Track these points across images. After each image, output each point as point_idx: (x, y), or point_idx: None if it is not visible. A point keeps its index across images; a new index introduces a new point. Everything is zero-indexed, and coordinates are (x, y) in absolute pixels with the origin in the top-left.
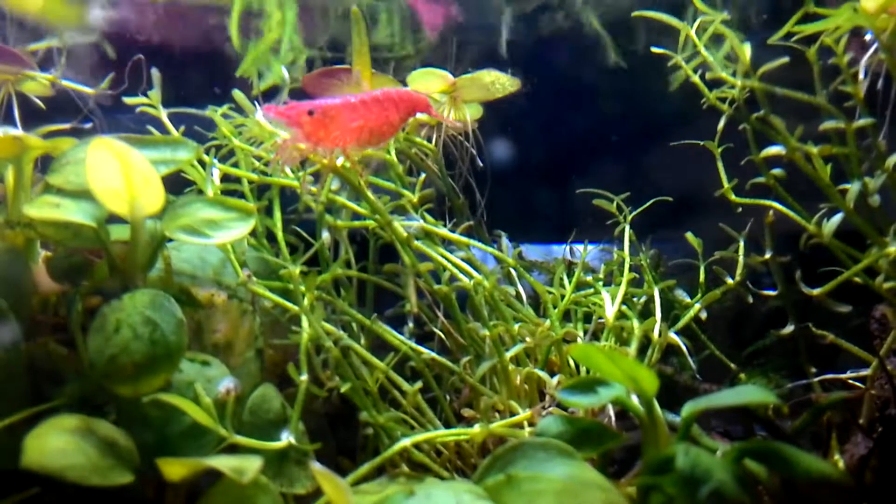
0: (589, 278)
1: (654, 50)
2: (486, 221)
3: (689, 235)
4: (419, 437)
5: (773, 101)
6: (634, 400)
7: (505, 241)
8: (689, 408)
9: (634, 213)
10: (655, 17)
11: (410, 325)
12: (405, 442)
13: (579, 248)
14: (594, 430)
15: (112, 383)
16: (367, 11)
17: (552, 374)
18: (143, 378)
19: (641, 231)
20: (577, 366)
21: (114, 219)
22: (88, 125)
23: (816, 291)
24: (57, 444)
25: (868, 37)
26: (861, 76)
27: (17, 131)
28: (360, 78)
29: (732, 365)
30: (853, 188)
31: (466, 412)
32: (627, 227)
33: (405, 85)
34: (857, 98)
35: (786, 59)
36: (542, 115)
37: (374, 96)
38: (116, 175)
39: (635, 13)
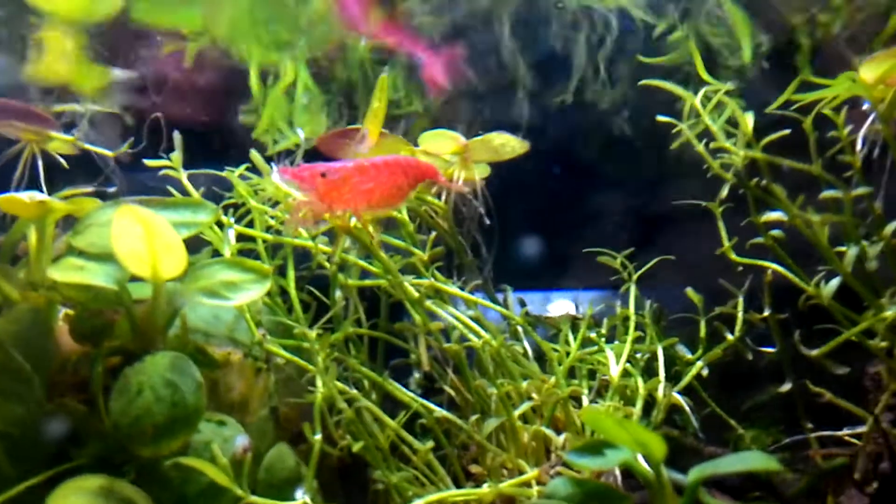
0: (593, 335)
1: (660, 119)
2: (492, 276)
3: (690, 291)
4: (431, 497)
5: (775, 167)
6: (641, 462)
7: (511, 297)
8: (695, 474)
9: (639, 272)
10: (662, 87)
11: (417, 376)
12: (418, 503)
13: (579, 295)
14: (602, 492)
15: (133, 444)
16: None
17: (557, 431)
18: (164, 440)
19: (640, 280)
20: (582, 423)
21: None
22: (112, 189)
23: (815, 353)
24: None
25: (866, 106)
26: (859, 145)
27: (41, 195)
28: (367, 137)
29: (733, 422)
30: (850, 253)
31: (474, 468)
32: (633, 287)
33: (417, 145)
34: (854, 167)
35: (787, 132)
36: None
37: (384, 161)
38: (140, 241)
39: (642, 82)
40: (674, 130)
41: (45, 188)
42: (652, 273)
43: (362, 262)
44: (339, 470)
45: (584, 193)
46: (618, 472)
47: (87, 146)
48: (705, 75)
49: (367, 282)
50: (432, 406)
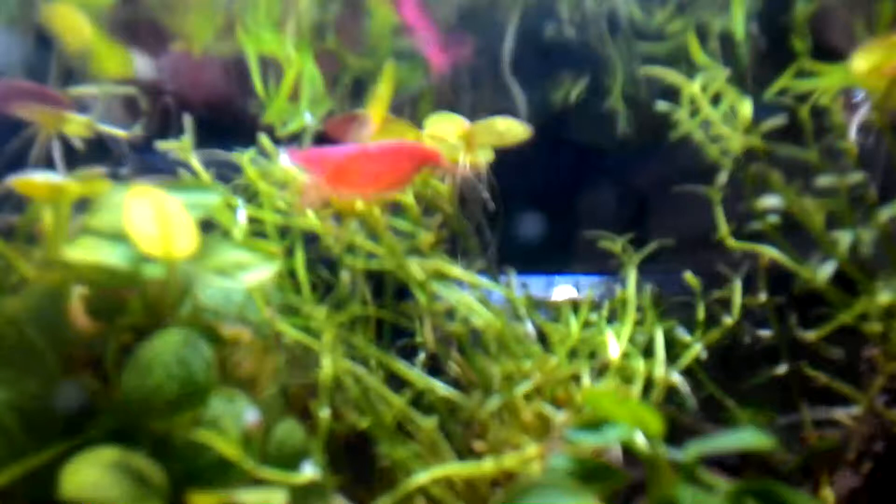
0: (594, 317)
1: (660, 106)
2: (497, 259)
3: (689, 275)
4: (436, 472)
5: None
6: (639, 440)
7: (514, 279)
8: (692, 451)
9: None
10: (661, 75)
11: (422, 356)
12: (423, 477)
13: (581, 279)
14: (602, 469)
15: (146, 419)
16: None
17: (558, 409)
18: (175, 415)
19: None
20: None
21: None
22: (124, 171)
23: (811, 335)
24: (93, 477)
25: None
26: (854, 134)
27: (56, 176)
28: (370, 121)
29: (729, 402)
30: (845, 239)
31: (478, 445)
32: (634, 272)
33: (421, 128)
34: (849, 154)
35: (783, 118)
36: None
37: (390, 145)
38: (152, 222)
39: (643, 70)
40: (674, 118)
41: (61, 170)
42: (652, 257)
43: (368, 243)
44: (345, 445)
45: (591, 179)
46: (617, 451)
47: (103, 127)
48: (702, 58)
49: (374, 264)
50: (437, 384)
